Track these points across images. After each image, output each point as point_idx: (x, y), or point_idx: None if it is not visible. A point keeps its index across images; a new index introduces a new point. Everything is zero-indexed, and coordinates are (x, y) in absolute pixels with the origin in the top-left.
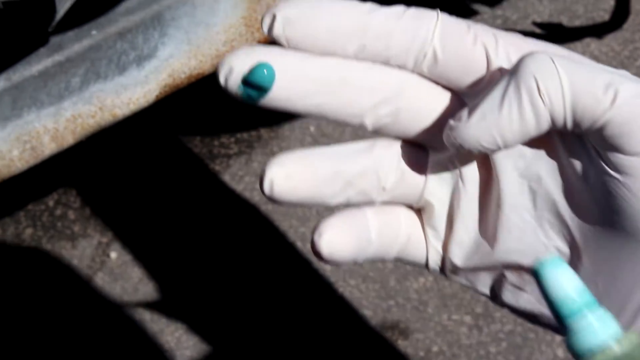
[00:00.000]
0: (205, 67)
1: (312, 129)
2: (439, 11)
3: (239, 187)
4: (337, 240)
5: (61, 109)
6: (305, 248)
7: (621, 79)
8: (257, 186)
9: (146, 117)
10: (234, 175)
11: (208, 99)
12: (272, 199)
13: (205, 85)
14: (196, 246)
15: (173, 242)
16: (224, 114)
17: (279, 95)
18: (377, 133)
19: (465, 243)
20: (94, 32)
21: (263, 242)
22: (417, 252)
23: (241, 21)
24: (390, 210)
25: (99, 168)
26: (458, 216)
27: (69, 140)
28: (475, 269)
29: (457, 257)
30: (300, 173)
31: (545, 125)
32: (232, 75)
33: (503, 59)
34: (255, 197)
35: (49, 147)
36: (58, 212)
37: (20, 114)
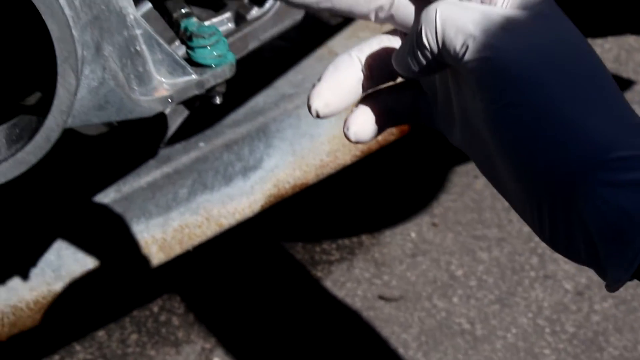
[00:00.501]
0: (310, 177)
1: (412, 235)
2: None
3: (340, 294)
4: (361, 131)
5: (169, 220)
6: (407, 355)
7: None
8: (359, 292)
9: (250, 224)
10: (336, 282)
11: (310, 205)
12: (319, 117)
13: (307, 193)
14: (299, 352)
15: (276, 348)
16: (325, 220)
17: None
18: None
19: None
20: (201, 144)
21: (366, 349)
22: None
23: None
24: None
25: (203, 274)
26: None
27: (176, 249)
28: None
29: None
30: (333, 100)
31: (430, 63)
32: None
33: None
34: (357, 304)
35: (156, 257)
36: (162, 318)
37: (129, 224)
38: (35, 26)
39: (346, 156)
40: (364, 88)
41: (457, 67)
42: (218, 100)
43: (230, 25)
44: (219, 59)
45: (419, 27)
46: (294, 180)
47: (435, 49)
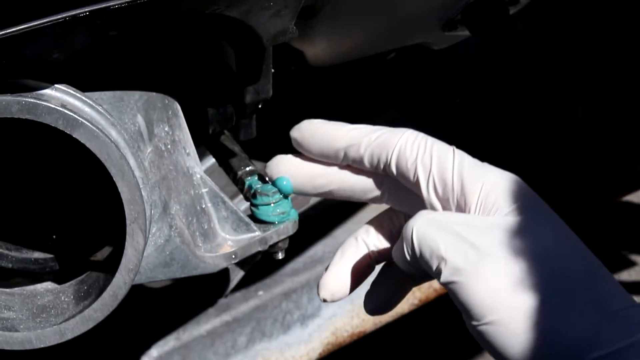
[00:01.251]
0: (368, 326)
1: None
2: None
3: None
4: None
5: None
6: None
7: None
8: None
9: None
10: None
11: (369, 356)
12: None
13: (365, 342)
14: None
15: None
16: None
17: (297, 192)
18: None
19: None
20: (260, 292)
21: None
22: None
23: None
24: None
25: None
26: None
27: None
28: None
29: None
30: (339, 289)
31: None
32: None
33: (430, 190)
34: None
35: None
36: None
37: None
38: (106, 185)
39: (404, 305)
40: (375, 265)
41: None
42: (280, 256)
43: None
44: (282, 216)
45: (401, 245)
46: (352, 329)
47: (416, 265)
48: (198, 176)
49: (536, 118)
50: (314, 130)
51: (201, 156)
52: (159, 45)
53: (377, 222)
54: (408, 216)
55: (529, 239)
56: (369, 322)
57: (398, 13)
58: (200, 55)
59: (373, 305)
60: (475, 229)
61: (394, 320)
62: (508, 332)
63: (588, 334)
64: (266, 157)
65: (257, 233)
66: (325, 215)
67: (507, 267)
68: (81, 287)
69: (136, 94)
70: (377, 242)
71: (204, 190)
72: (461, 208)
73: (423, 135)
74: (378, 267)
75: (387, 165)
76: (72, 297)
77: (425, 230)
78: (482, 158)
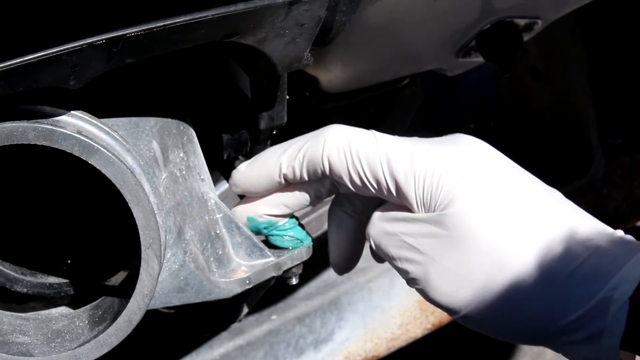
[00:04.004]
0: (381, 350)
1: None
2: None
3: None
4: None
5: None
6: None
7: None
8: None
9: None
10: None
11: None
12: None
13: None
14: None
15: None
16: None
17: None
18: None
19: None
20: (274, 316)
21: None
22: None
23: (416, 305)
24: None
25: None
26: None
27: None
28: None
29: None
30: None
31: None
32: None
33: (373, 192)
34: None
35: None
36: None
37: None
38: (121, 210)
39: (417, 329)
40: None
41: None
42: (294, 281)
43: None
44: (296, 241)
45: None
46: (365, 353)
47: None
48: (212, 202)
49: (549, 143)
50: (247, 178)
51: (215, 181)
52: (175, 72)
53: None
54: None
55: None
56: (382, 347)
57: (412, 40)
58: (215, 82)
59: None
60: (418, 235)
61: (407, 345)
62: (481, 321)
63: (553, 305)
64: None
65: (271, 258)
66: None
67: (452, 266)
68: (96, 312)
69: (151, 120)
70: (357, 207)
71: (218, 215)
72: (406, 203)
73: (346, 134)
74: None
75: (325, 175)
76: (86, 322)
77: (380, 241)
78: None
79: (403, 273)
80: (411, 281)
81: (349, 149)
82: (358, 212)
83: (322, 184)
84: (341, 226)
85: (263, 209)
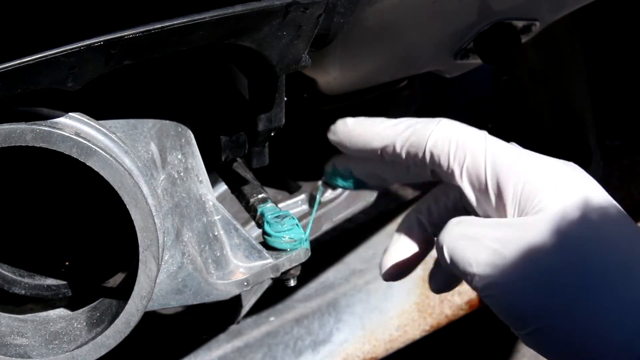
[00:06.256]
0: (379, 352)
1: None
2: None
3: None
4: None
5: None
6: None
7: None
8: None
9: None
10: None
11: None
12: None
13: None
14: None
15: None
16: None
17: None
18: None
19: None
20: (272, 318)
21: None
22: None
23: (414, 307)
24: None
25: None
26: None
27: None
28: None
29: None
30: (400, 268)
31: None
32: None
33: (467, 187)
34: None
35: None
36: None
37: None
38: (119, 212)
39: (415, 331)
40: (432, 240)
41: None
42: (292, 283)
43: (304, 207)
44: (294, 243)
45: (437, 257)
46: (363, 355)
47: (451, 275)
48: (210, 203)
49: (547, 145)
50: (348, 133)
51: (213, 183)
52: (172, 73)
53: (432, 198)
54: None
55: (559, 241)
56: (380, 348)
57: (410, 42)
58: (213, 84)
59: (436, 287)
60: (503, 239)
61: (405, 347)
62: (550, 337)
63: (628, 333)
64: (278, 185)
65: (270, 260)
66: (336, 242)
67: (534, 276)
68: (94, 313)
69: (149, 122)
70: (433, 218)
71: (216, 217)
72: (499, 205)
73: (456, 127)
74: None
75: (422, 162)
76: (84, 323)
77: (456, 246)
78: None
79: (478, 280)
80: (486, 288)
81: (455, 140)
82: (433, 224)
83: (421, 168)
84: (411, 232)
85: (362, 168)
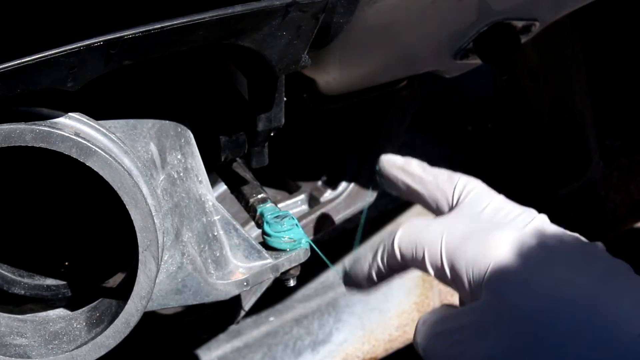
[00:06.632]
0: (379, 352)
1: None
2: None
3: None
4: None
5: None
6: None
7: None
8: None
9: None
10: None
11: None
12: None
13: None
14: None
15: None
16: None
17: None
18: None
19: None
20: (271, 318)
21: None
22: None
23: (414, 307)
24: None
25: None
26: None
27: None
28: None
29: None
30: None
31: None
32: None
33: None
34: None
35: None
36: None
37: None
38: (119, 212)
39: None
40: None
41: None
42: (292, 283)
43: (304, 207)
44: (294, 243)
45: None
46: (363, 355)
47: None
48: (210, 204)
49: (547, 145)
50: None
51: (213, 183)
52: (172, 73)
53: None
54: None
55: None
56: (379, 348)
57: (409, 42)
58: (212, 84)
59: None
60: (467, 326)
61: (405, 347)
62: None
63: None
64: (278, 185)
65: (269, 260)
66: (336, 242)
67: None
68: (93, 313)
69: (149, 122)
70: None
71: (216, 217)
72: (456, 282)
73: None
74: None
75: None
76: (84, 323)
77: (427, 345)
78: (494, 184)
79: None
80: None
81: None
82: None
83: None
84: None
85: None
